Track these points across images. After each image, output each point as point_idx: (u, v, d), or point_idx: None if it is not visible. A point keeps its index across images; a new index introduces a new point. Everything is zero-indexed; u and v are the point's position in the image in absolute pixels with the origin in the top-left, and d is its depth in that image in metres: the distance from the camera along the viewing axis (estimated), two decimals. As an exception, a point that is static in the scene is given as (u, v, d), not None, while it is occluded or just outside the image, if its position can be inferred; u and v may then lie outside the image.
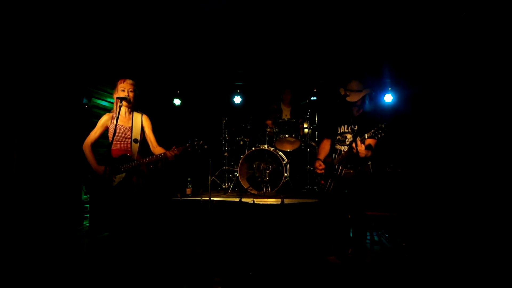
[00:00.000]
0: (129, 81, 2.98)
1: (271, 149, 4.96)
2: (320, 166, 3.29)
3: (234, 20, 4.86)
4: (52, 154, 4.31)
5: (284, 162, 4.85)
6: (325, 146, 3.41)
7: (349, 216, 3.14)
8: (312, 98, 6.26)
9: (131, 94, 2.95)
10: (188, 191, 4.62)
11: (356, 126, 3.14)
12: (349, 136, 3.19)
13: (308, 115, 5.51)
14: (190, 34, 5.23)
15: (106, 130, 2.99)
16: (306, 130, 5.52)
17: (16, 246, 3.53)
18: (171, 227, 3.99)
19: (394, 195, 4.88)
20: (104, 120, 2.98)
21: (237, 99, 6.44)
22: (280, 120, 5.18)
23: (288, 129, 5.07)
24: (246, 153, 5.02)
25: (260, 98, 6.52)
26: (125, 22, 4.74)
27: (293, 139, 5.18)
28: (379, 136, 2.72)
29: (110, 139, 2.84)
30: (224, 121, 5.52)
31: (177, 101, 6.56)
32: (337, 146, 3.27)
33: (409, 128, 5.89)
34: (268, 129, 5.36)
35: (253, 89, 6.73)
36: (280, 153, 4.99)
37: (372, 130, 2.74)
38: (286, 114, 5.61)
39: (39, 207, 4.09)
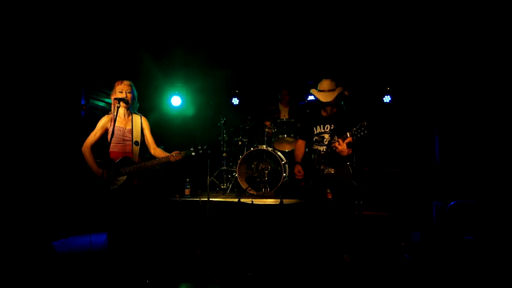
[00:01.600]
0: (126, 82, 2.97)
1: (270, 149, 4.96)
2: (299, 172, 3.28)
3: (233, 20, 4.87)
4: (50, 156, 4.31)
5: (283, 162, 4.85)
6: (301, 147, 3.41)
7: (341, 216, 3.14)
8: (310, 98, 6.26)
9: (129, 95, 2.94)
10: (187, 191, 4.62)
11: (333, 126, 3.14)
12: (326, 136, 3.17)
13: (306, 115, 5.51)
14: (189, 36, 5.24)
15: (106, 132, 2.98)
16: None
17: (11, 249, 3.52)
18: (170, 228, 3.98)
19: (391, 195, 4.90)
20: (103, 122, 2.97)
21: (235, 100, 6.45)
22: (278, 121, 5.19)
23: (286, 129, 5.08)
24: (245, 153, 5.02)
25: (258, 99, 6.51)
26: (124, 24, 4.74)
27: (291, 139, 5.18)
28: (362, 133, 2.71)
29: (109, 140, 2.84)
30: (223, 121, 5.53)
31: (176, 102, 6.55)
32: (315, 147, 3.24)
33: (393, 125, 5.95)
34: (267, 130, 5.37)
35: (251, 90, 6.72)
36: (279, 153, 5.00)
37: (354, 128, 2.73)
38: (284, 115, 5.62)
39: (37, 208, 4.09)
